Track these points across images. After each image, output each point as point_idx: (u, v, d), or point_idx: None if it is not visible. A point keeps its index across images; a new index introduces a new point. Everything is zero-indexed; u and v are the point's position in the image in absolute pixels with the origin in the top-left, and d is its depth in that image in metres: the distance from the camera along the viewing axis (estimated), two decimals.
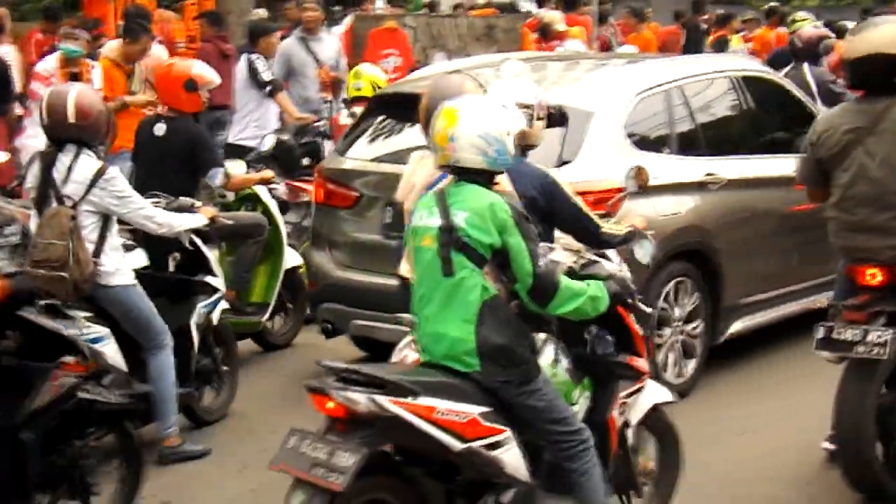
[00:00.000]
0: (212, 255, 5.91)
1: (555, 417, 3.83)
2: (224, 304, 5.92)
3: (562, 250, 4.21)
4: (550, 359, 4.01)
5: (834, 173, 4.81)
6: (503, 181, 4.10)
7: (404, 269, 4.33)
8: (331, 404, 3.61)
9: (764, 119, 7.03)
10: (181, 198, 5.83)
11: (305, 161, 8.13)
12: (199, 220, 5.67)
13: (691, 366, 6.19)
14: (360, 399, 3.59)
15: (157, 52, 8.94)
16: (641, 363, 4.28)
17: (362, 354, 6.53)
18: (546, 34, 11.64)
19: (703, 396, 6.10)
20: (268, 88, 8.87)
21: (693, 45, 14.29)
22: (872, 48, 4.71)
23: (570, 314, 3.87)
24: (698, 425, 5.30)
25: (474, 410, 3.69)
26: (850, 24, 13.40)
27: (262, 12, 12.47)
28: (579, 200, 4.55)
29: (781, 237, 6.63)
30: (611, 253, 4.85)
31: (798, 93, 7.20)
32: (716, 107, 6.75)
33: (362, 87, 8.23)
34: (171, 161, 6.16)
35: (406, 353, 4.29)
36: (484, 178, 3.85)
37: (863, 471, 4.70)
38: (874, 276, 4.70)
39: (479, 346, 3.73)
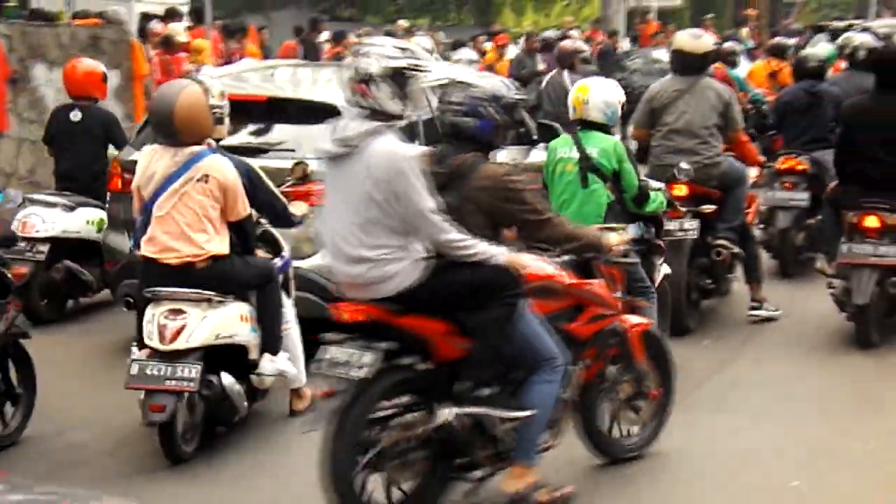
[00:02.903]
0: None
1: (640, 276, 6.11)
2: None
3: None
4: None
5: (662, 117, 7.47)
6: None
7: (146, 249, 5.47)
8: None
9: None
10: None
11: None
12: None
13: None
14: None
15: None
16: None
17: None
18: (169, 46, 11.90)
19: None
20: None
21: (311, 61, 15.47)
22: (675, 46, 7.77)
23: (652, 210, 6.41)
24: None
25: None
26: (467, 52, 15.48)
27: None
28: (272, 186, 5.81)
29: None
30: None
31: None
32: None
33: None
34: (87, 140, 7.44)
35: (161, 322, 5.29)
36: (602, 129, 6.34)
37: (680, 314, 7.18)
38: (680, 189, 7.22)
39: None
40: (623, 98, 6.51)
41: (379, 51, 4.39)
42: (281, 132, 7.16)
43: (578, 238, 4.86)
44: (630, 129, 9.62)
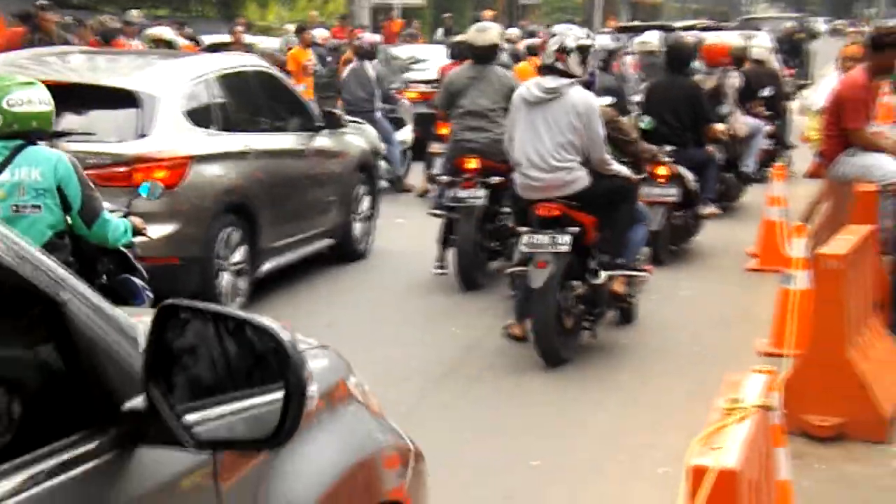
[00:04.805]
0: None
1: None
2: None
3: None
4: None
5: (458, 100, 8.53)
6: None
7: None
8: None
9: (274, 104, 8.89)
10: None
11: None
12: None
13: (242, 292, 7.76)
14: None
15: None
16: None
17: None
18: None
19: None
20: None
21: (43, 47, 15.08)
22: (465, 38, 8.89)
23: None
24: None
25: None
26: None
27: None
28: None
29: (297, 196, 8.58)
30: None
31: (291, 85, 9.26)
32: (245, 93, 8.46)
33: None
34: None
35: None
36: None
37: (471, 272, 8.24)
38: (472, 162, 8.26)
39: None
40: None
41: (573, 33, 6.75)
42: (79, 117, 7.31)
43: (650, 150, 7.70)
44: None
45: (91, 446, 1.93)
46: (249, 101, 8.59)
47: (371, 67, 12.60)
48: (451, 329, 7.33)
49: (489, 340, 7.12)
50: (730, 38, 13.12)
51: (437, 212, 8.64)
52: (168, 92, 7.51)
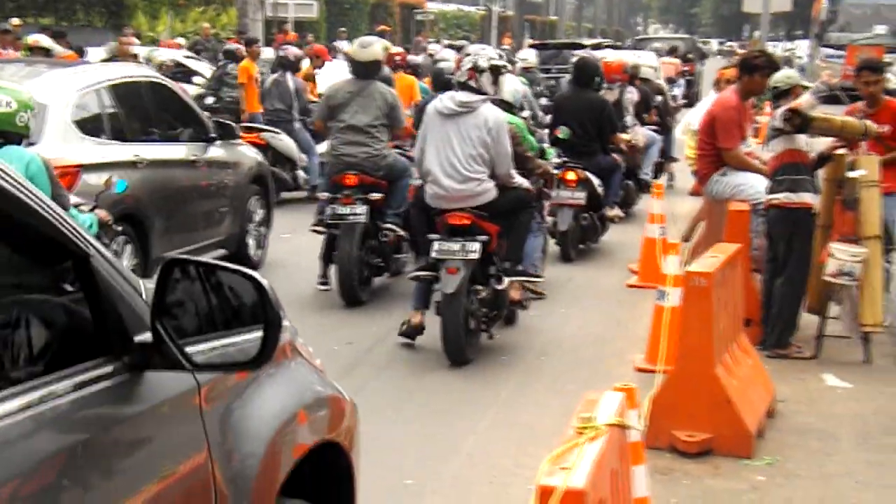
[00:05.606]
0: None
1: None
2: None
3: None
4: None
5: (339, 114, 8.44)
6: None
7: None
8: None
9: (166, 115, 8.91)
10: None
11: None
12: None
13: None
14: None
15: None
16: None
17: None
18: None
19: None
20: None
21: None
22: (349, 53, 8.90)
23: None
24: None
25: None
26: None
27: None
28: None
29: (189, 207, 8.59)
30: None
31: (184, 96, 9.27)
32: (136, 103, 8.45)
33: None
34: None
35: None
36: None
37: (353, 289, 8.25)
38: (352, 178, 8.28)
39: None
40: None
41: (486, 54, 7.21)
42: None
43: (542, 167, 8.16)
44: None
45: (109, 369, 2.42)
46: (140, 111, 8.58)
47: (291, 78, 12.94)
48: (334, 346, 7.34)
49: (370, 357, 7.23)
50: (628, 57, 14.05)
51: (319, 228, 8.60)
52: (57, 100, 7.50)
